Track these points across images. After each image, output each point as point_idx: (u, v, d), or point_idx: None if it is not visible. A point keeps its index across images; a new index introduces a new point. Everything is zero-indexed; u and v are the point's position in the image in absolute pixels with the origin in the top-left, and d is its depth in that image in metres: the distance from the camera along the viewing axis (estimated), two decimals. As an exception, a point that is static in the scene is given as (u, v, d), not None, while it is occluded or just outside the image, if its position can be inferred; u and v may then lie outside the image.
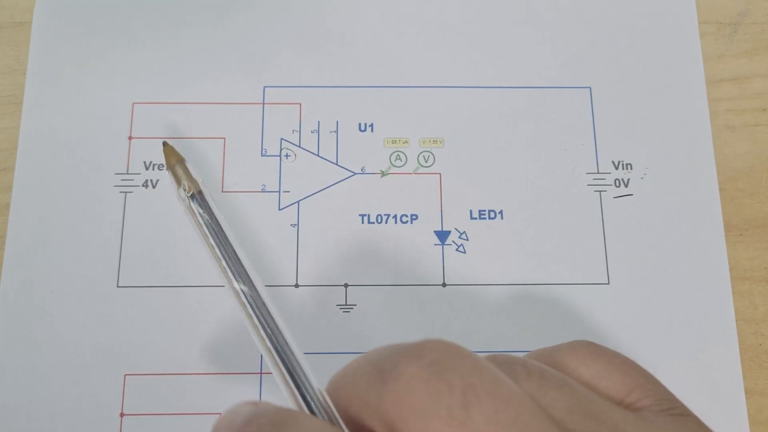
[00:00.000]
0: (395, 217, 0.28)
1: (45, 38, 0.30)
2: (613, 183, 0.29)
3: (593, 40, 0.31)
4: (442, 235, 0.28)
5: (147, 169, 0.29)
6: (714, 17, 0.31)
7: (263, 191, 0.29)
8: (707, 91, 0.30)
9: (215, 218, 0.22)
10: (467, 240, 0.28)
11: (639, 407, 0.16)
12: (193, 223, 0.22)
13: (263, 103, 0.30)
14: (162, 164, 0.29)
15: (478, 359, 0.15)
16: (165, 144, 0.25)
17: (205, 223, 0.22)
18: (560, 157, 0.29)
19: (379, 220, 0.28)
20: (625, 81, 0.30)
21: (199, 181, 0.23)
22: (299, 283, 0.27)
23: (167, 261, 0.28)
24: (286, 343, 0.19)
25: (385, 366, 0.15)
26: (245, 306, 0.20)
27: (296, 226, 0.28)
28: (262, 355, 0.26)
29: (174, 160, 0.24)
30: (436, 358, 0.15)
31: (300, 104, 0.30)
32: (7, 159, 0.29)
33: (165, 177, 0.29)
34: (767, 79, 0.31)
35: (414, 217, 0.28)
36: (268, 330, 0.19)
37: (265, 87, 0.30)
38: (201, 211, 0.22)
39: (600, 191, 0.29)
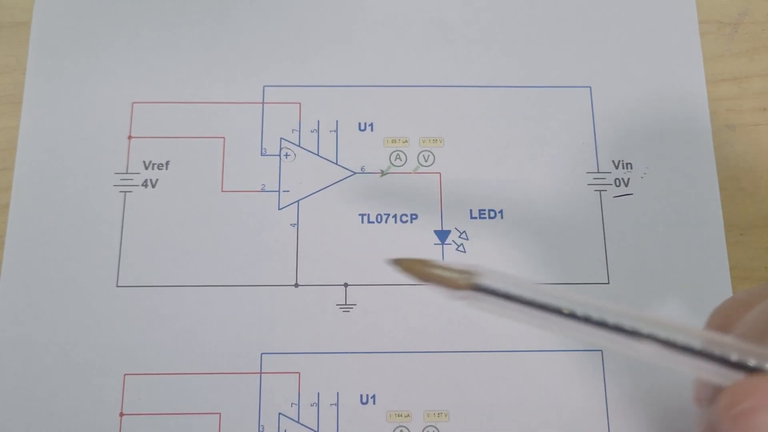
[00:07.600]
0: (395, 216, 0.28)
1: (44, 38, 0.30)
2: (613, 182, 0.29)
3: (593, 40, 0.31)
4: (442, 235, 0.28)
5: (146, 168, 0.29)
6: (714, 17, 0.31)
7: (263, 191, 0.29)
8: (707, 91, 0.30)
9: (511, 291, 0.18)
10: (467, 240, 0.28)
11: None
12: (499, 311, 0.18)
13: (263, 103, 0.30)
14: (162, 164, 0.29)
15: None
16: (397, 262, 0.20)
17: (506, 299, 0.18)
18: (560, 157, 0.29)
19: (379, 220, 0.28)
20: (625, 81, 0.30)
21: (461, 268, 0.19)
22: (299, 282, 0.27)
23: (166, 261, 0.28)
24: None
25: None
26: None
27: (296, 226, 0.28)
28: (261, 355, 0.26)
29: (422, 268, 0.20)
30: None
31: (300, 103, 0.30)
32: (7, 159, 0.29)
33: (164, 176, 0.29)
34: (767, 79, 0.30)
35: (414, 216, 0.28)
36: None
37: (264, 86, 0.30)
38: (493, 293, 0.18)
39: (600, 191, 0.29)
